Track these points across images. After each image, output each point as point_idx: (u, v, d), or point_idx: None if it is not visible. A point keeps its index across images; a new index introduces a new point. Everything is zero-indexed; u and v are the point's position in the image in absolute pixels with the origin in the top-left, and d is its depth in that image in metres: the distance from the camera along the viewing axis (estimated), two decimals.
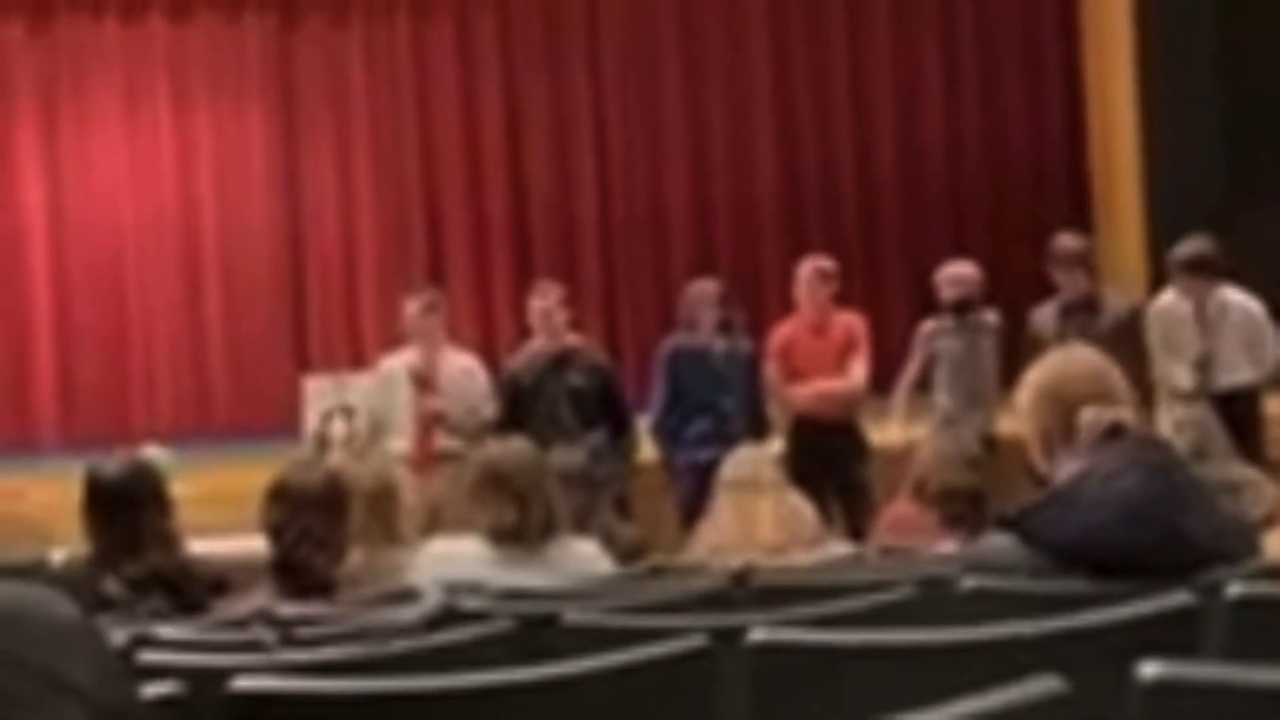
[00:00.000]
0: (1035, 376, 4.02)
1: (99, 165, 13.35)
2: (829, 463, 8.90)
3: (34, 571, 5.76)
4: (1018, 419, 4.04)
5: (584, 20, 14.15)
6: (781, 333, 9.48)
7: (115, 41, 13.37)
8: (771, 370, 9.28)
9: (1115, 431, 3.79)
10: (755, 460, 7.16)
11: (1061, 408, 3.87)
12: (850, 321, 9.49)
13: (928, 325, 9.53)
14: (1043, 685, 1.76)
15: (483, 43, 13.99)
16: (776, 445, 8.63)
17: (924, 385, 9.48)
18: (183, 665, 3.01)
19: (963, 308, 9.35)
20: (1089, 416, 3.81)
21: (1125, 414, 3.86)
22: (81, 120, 13.33)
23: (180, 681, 2.55)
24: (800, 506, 7.09)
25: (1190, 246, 9.21)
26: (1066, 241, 9.18)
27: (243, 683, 2.45)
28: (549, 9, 14.05)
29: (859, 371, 9.31)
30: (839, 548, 6.84)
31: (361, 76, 13.80)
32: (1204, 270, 9.08)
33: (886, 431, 9.53)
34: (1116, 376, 3.96)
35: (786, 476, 7.08)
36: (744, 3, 14.33)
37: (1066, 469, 3.79)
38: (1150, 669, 1.84)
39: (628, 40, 14.19)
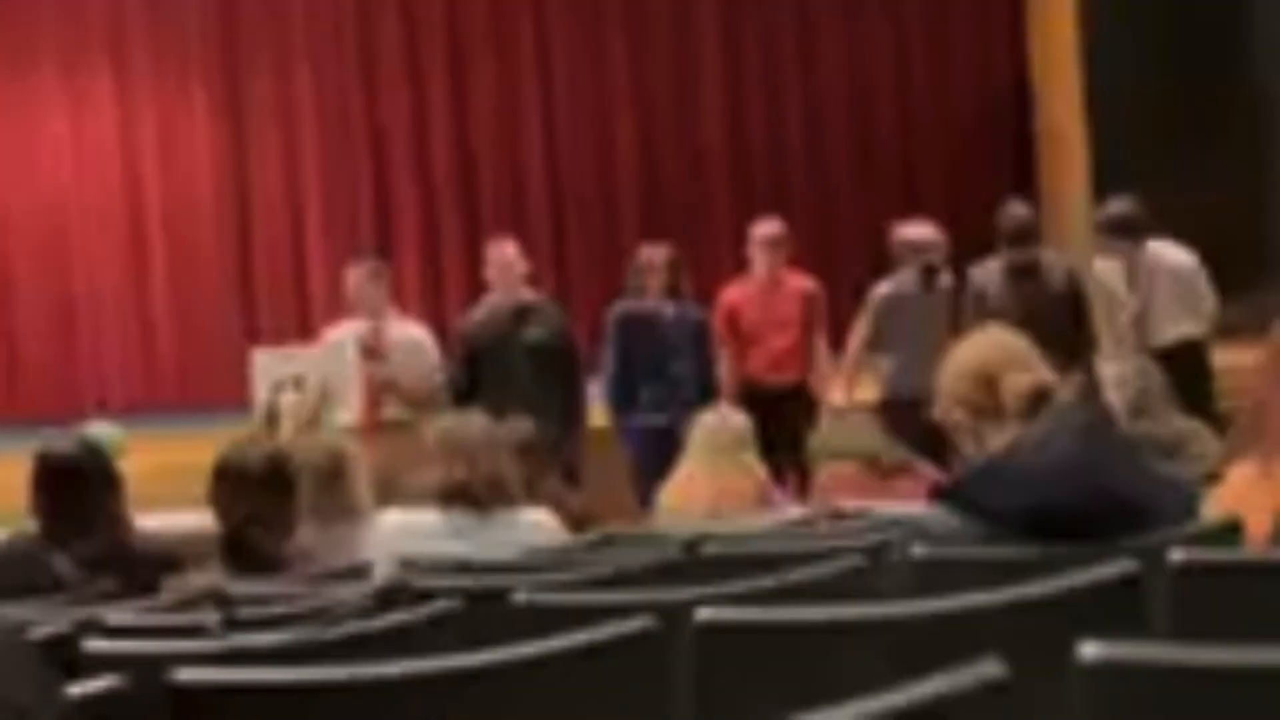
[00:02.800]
0: (955, 360, 4.05)
1: (40, 140, 13.23)
2: (780, 425, 8.90)
3: None
4: (939, 407, 4.04)
5: None
6: (729, 296, 9.47)
7: (55, 12, 13.23)
8: (717, 335, 9.28)
9: (1041, 397, 3.82)
10: (727, 421, 7.27)
11: (985, 384, 3.89)
12: (805, 288, 9.47)
13: (884, 287, 9.41)
14: (983, 670, 1.76)
15: (429, 8, 13.90)
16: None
17: (874, 344, 9.42)
18: (126, 654, 3.00)
19: (931, 273, 9.29)
20: (1012, 382, 3.83)
21: (1045, 376, 3.89)
22: (21, 94, 13.19)
23: (122, 673, 2.54)
24: (755, 466, 7.21)
25: (1114, 207, 9.25)
26: (1016, 210, 9.14)
27: (184, 675, 2.44)
28: None
29: (821, 346, 9.34)
30: (790, 510, 6.89)
31: (306, 45, 13.70)
32: (1129, 230, 9.12)
33: (831, 394, 9.50)
34: (1026, 345, 4.00)
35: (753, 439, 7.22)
36: None
37: (997, 440, 3.81)
38: (1089, 649, 1.84)
39: (573, 3, 14.12)
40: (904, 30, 14.58)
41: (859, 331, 9.40)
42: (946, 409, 4.00)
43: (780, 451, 8.50)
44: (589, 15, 14.13)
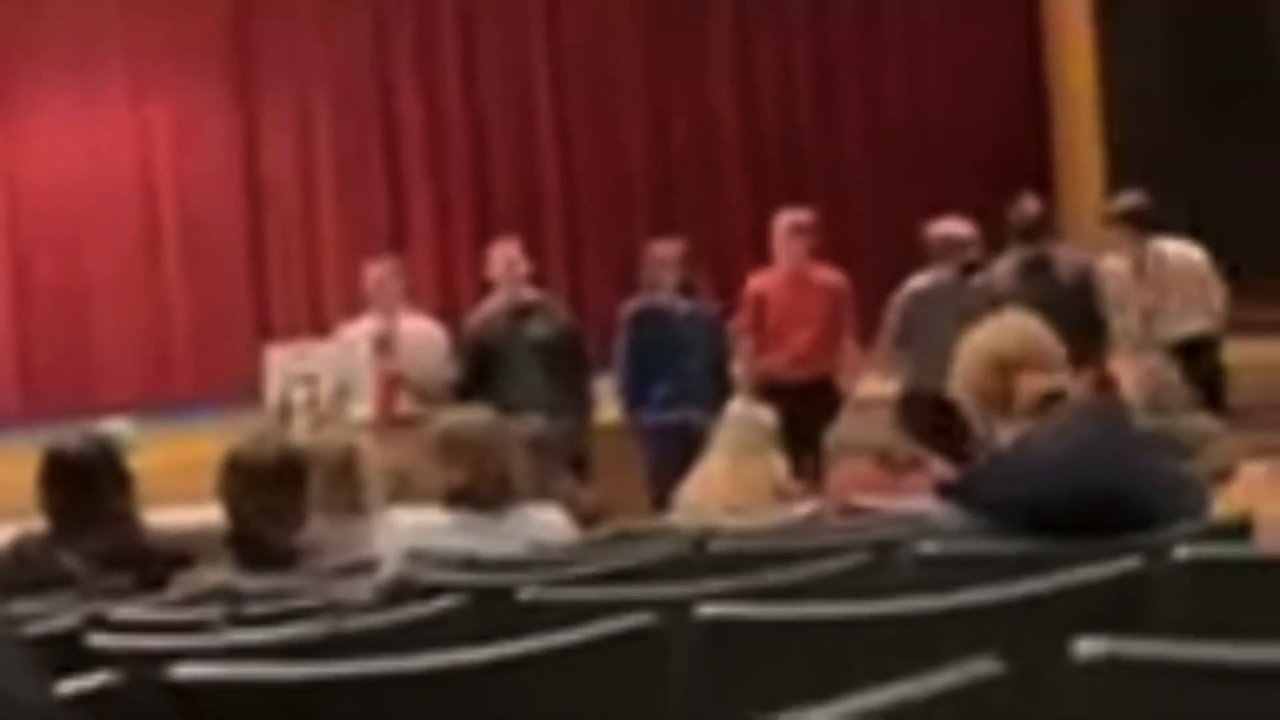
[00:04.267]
0: (973, 343, 4.01)
1: (56, 135, 13.25)
2: (798, 421, 8.84)
3: None
4: (955, 382, 4.01)
5: None
6: (756, 283, 9.41)
7: (71, 6, 13.24)
8: (740, 322, 9.23)
9: (1054, 397, 3.80)
10: (757, 419, 7.26)
11: (999, 374, 3.87)
12: (832, 282, 9.41)
13: (918, 281, 9.25)
14: (978, 668, 1.75)
15: (442, 6, 13.89)
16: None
17: (902, 341, 9.33)
18: (129, 650, 3.00)
19: (970, 270, 9.20)
20: (1027, 384, 3.80)
21: (1062, 381, 3.85)
22: (37, 88, 13.22)
23: (123, 668, 2.53)
24: (777, 465, 7.21)
25: (1123, 201, 9.29)
26: (1027, 205, 9.12)
27: (183, 671, 2.43)
28: None
29: (850, 342, 9.31)
30: (804, 507, 6.88)
31: (321, 41, 13.70)
32: (1135, 221, 9.12)
33: (865, 384, 9.44)
34: (1052, 342, 3.96)
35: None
36: None
37: (1006, 434, 3.79)
38: (1087, 645, 1.83)
39: (588, 1, 14.11)
40: (919, 24, 14.51)
41: (888, 327, 9.31)
42: (958, 390, 3.98)
43: (797, 447, 8.45)
44: (603, 14, 14.10)
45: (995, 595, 2.80)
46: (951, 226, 9.35)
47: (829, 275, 9.44)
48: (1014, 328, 4.04)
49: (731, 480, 7.00)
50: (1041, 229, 9.01)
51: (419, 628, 3.11)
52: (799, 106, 14.41)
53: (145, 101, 13.40)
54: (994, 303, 8.06)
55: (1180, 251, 9.23)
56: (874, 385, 9.47)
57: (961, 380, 3.97)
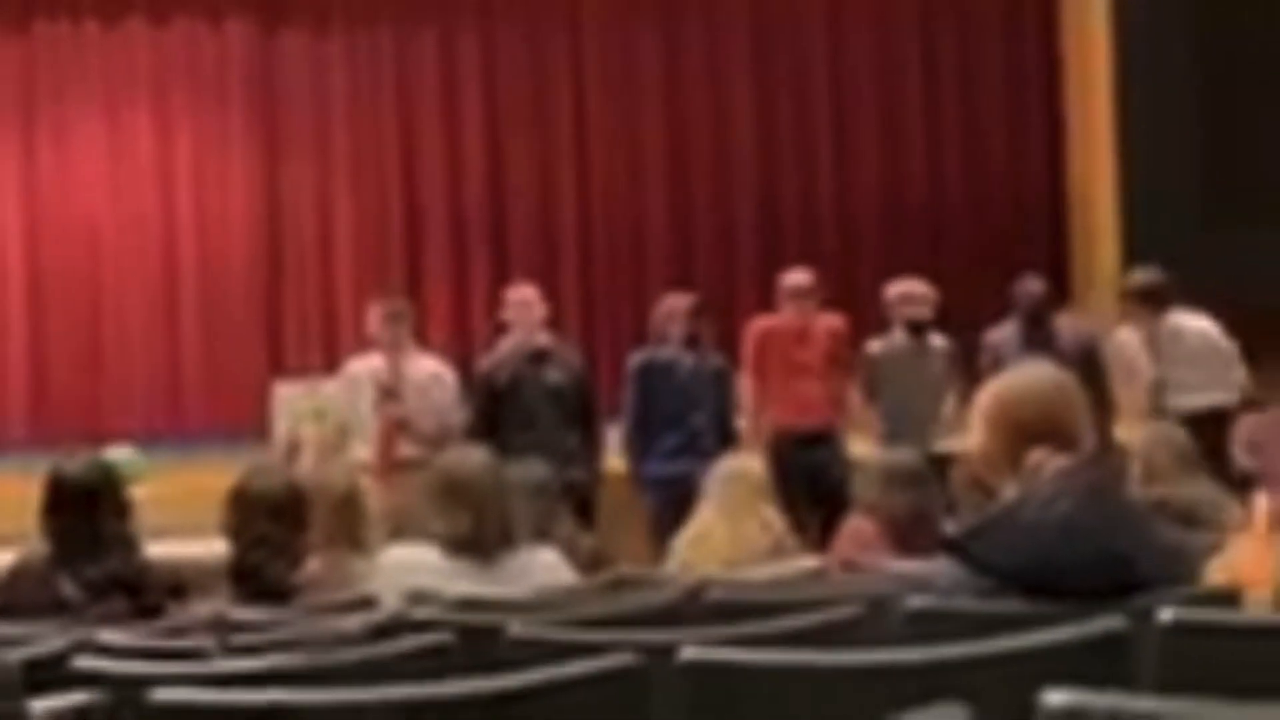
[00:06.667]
0: (991, 397, 3.91)
1: (77, 165, 13.30)
2: (805, 472, 8.83)
3: None
4: (970, 432, 3.93)
5: (567, 31, 14.11)
6: (760, 323, 9.47)
7: (94, 43, 13.32)
8: (745, 372, 9.26)
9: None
10: (751, 469, 7.23)
11: (1011, 441, 3.78)
12: (833, 325, 9.46)
13: (874, 345, 9.41)
14: (946, 715, 1.76)
15: (465, 48, 13.95)
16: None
17: (870, 400, 9.38)
18: (114, 673, 3.01)
19: (919, 328, 9.33)
20: (1037, 458, 3.73)
21: (1076, 455, 3.76)
22: (60, 121, 13.28)
23: (106, 690, 2.55)
24: (773, 519, 7.15)
25: (1139, 277, 9.37)
26: (1032, 287, 9.21)
27: (162, 694, 2.44)
28: (532, 15, 14.02)
29: (852, 391, 9.35)
30: (805, 561, 6.85)
31: (342, 79, 13.75)
32: (1151, 299, 9.20)
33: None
34: (1072, 407, 3.84)
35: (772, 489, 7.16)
36: (725, 25, 14.27)
37: (1009, 492, 3.76)
38: (1054, 697, 1.84)
39: (610, 52, 14.14)
40: (938, 103, 14.51)
41: (857, 387, 9.38)
42: (974, 436, 3.90)
43: (805, 499, 8.43)
44: (626, 65, 14.15)
45: (977, 650, 2.80)
46: (901, 285, 9.45)
47: (830, 320, 9.49)
48: (1033, 391, 3.88)
49: (730, 539, 6.95)
50: (1045, 310, 9.10)
51: (404, 660, 3.12)
52: (816, 175, 14.38)
53: (166, 137, 13.45)
54: (997, 368, 8.09)
55: (1196, 326, 9.26)
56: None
57: (975, 432, 3.89)
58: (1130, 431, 8.44)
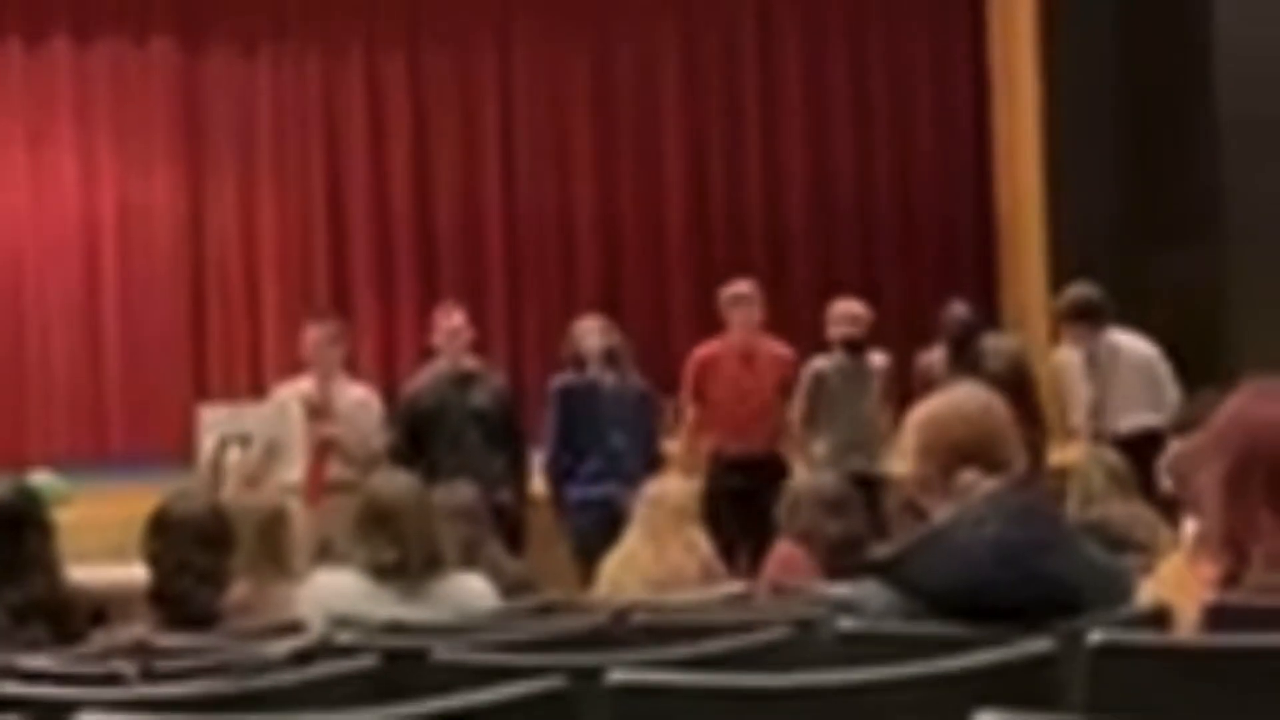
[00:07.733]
0: (920, 421, 3.93)
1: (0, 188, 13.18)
2: (740, 496, 8.76)
3: None
4: (900, 455, 3.95)
5: (494, 55, 14.10)
6: (702, 352, 9.44)
7: (17, 62, 13.21)
8: (684, 397, 9.24)
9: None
10: (673, 492, 7.22)
11: (943, 463, 3.80)
12: (781, 355, 9.44)
13: (817, 362, 9.37)
14: None
15: (391, 67, 13.92)
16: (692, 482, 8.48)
17: (809, 422, 9.39)
18: (35, 698, 2.97)
19: (856, 347, 9.31)
20: (968, 480, 3.75)
21: (1006, 477, 3.78)
22: None
23: (27, 715, 2.51)
24: (698, 541, 7.14)
25: (1073, 293, 9.25)
26: (958, 312, 9.20)
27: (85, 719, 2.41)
28: (459, 40, 14.00)
29: (793, 416, 9.31)
30: (732, 585, 6.85)
31: (268, 99, 13.69)
32: (1087, 316, 9.11)
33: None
34: (1001, 427, 3.86)
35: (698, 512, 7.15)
36: (655, 32, 14.31)
37: (939, 514, 3.76)
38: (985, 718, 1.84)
39: (537, 72, 14.16)
40: (867, 111, 14.63)
41: (795, 408, 9.35)
42: (904, 459, 3.91)
43: (743, 523, 8.37)
44: (553, 84, 14.17)
45: (907, 672, 2.80)
46: (845, 306, 9.45)
47: (778, 348, 9.47)
48: (961, 414, 3.90)
49: (655, 562, 6.94)
50: (971, 335, 9.08)
51: (328, 686, 3.08)
52: (745, 186, 14.45)
53: (89, 158, 13.34)
54: (926, 387, 8.12)
55: (1133, 344, 9.22)
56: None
57: (905, 455, 3.91)
58: (1069, 454, 8.47)
